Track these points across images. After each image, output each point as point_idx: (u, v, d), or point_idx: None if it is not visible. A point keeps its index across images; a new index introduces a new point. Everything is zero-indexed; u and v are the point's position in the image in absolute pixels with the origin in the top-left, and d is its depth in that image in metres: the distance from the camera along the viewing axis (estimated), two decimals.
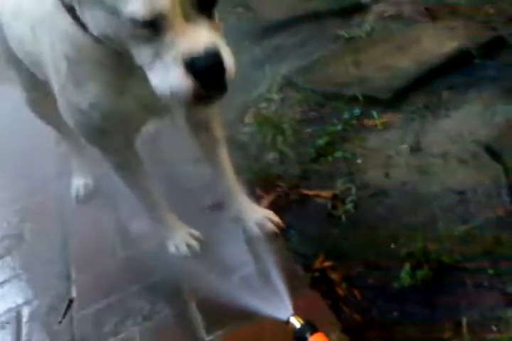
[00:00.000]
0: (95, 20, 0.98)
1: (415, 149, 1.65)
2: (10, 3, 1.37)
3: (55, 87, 1.24)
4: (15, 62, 1.53)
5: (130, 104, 1.18)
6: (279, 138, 1.88)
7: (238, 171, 1.74)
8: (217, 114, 1.47)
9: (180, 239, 1.55)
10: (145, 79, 1.01)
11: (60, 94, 1.24)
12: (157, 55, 0.94)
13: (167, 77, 0.95)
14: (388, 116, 1.83)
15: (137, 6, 0.87)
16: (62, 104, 1.26)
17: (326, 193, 1.61)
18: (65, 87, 1.19)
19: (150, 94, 1.02)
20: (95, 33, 1.00)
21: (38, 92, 1.65)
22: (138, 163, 1.44)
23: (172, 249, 1.56)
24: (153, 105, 1.17)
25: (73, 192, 1.93)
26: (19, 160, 2.13)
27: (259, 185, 1.74)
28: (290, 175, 1.74)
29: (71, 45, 1.11)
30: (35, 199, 1.97)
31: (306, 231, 1.55)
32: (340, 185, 1.61)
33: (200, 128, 1.46)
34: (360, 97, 1.90)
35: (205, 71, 0.94)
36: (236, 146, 1.96)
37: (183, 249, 1.54)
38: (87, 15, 0.99)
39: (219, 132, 1.48)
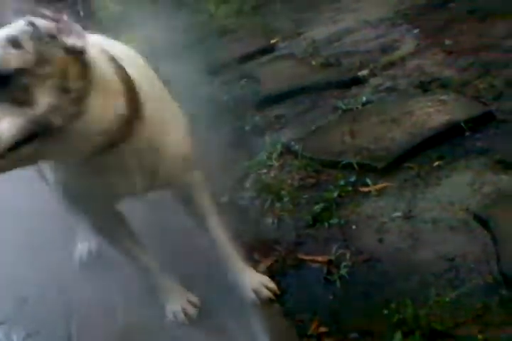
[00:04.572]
0: None
1: (407, 216, 1.71)
2: None
3: None
4: None
5: (94, 188, 1.26)
6: (277, 204, 1.96)
7: (236, 235, 1.80)
8: (198, 187, 1.52)
9: (178, 305, 1.59)
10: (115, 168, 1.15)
11: None
12: None
13: None
14: (382, 184, 1.90)
15: None
16: None
17: (321, 258, 1.65)
18: None
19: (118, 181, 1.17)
20: None
21: None
22: (120, 228, 1.50)
23: (170, 315, 1.59)
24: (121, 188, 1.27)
25: (76, 256, 1.98)
26: (25, 224, 2.17)
27: (257, 249, 1.79)
28: (287, 240, 1.79)
29: None
30: (42, 263, 2.00)
31: (301, 296, 1.58)
32: (335, 250, 1.65)
33: (183, 200, 1.53)
34: (356, 165, 1.99)
35: None
36: (235, 211, 2.03)
37: (180, 316, 1.58)
38: None
39: (205, 203, 1.53)
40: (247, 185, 2.16)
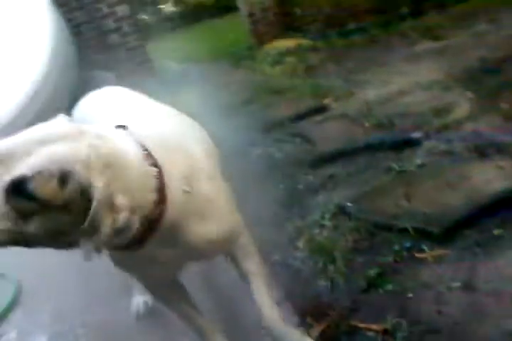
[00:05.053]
0: None
1: (467, 286, 1.66)
2: None
3: None
4: None
5: (137, 265, 1.30)
6: (330, 266, 1.94)
7: (288, 296, 1.79)
8: (245, 251, 1.48)
9: None
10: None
11: None
12: None
13: None
14: (439, 251, 1.86)
15: None
16: None
17: (376, 327, 1.61)
18: None
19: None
20: None
21: None
22: (175, 292, 1.51)
23: None
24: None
25: (133, 309, 2.00)
26: (84, 276, 2.22)
27: (310, 312, 1.76)
28: (340, 305, 1.75)
29: None
30: (99, 315, 2.04)
31: None
32: (391, 318, 1.61)
33: (232, 261, 1.52)
34: (411, 230, 1.96)
35: None
36: (288, 271, 2.02)
37: None
38: None
39: (249, 266, 1.49)
40: (300, 244, 2.16)
